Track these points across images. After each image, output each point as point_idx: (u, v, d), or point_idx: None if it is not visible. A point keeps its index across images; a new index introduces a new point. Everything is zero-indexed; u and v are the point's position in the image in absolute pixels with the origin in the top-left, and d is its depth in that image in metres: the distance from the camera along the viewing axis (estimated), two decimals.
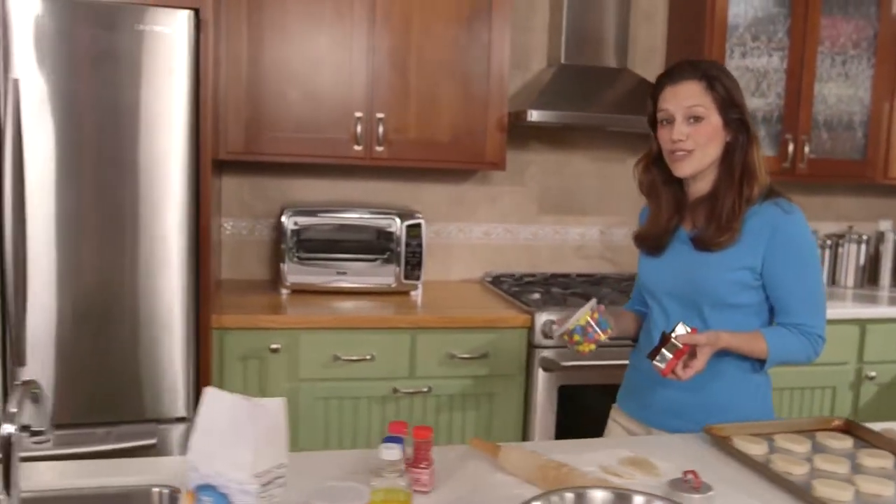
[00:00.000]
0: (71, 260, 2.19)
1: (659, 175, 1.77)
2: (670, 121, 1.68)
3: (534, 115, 2.83)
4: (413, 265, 2.90)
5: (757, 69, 3.20)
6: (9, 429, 1.05)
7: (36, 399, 1.13)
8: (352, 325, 2.61)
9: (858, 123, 3.35)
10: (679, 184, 1.76)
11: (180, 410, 2.31)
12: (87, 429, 2.23)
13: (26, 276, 2.12)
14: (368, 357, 2.61)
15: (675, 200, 1.77)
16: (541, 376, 2.70)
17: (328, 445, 2.63)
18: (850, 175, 3.39)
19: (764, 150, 3.13)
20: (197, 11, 2.20)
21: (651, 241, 1.80)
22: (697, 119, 1.65)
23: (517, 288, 3.09)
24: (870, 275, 3.66)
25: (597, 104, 3.07)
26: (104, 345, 2.23)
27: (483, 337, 2.68)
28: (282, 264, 2.84)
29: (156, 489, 1.29)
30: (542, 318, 2.68)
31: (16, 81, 2.06)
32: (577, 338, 1.64)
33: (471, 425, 2.72)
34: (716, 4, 3.09)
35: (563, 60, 3.14)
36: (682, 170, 1.69)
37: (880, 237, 3.66)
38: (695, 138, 1.65)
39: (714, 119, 1.65)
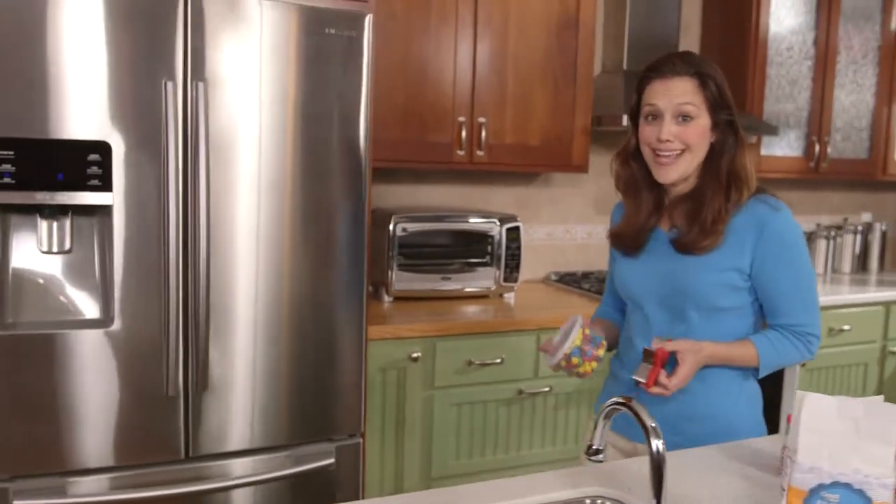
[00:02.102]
0: (251, 275, 2.07)
1: (639, 170, 1.65)
2: (657, 117, 1.56)
3: (625, 121, 2.95)
4: (512, 268, 2.95)
5: (789, 76, 3.49)
6: (657, 445, 1.03)
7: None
8: (485, 329, 2.62)
9: (865, 126, 3.73)
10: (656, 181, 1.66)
11: (353, 426, 2.24)
12: (267, 454, 2.12)
13: (209, 293, 1.98)
14: (499, 360, 2.64)
15: (655, 197, 1.65)
16: None
17: (460, 451, 2.64)
18: (858, 173, 3.77)
19: (793, 152, 3.48)
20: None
21: (628, 241, 1.68)
22: (686, 118, 1.53)
23: (588, 285, 3.20)
24: (861, 262, 4.09)
25: None
26: (282, 364, 2.12)
27: None
28: (389, 271, 2.79)
29: (588, 500, 1.29)
30: None
31: (204, 84, 1.93)
32: (575, 360, 1.55)
33: (586, 421, 2.81)
34: (760, 18, 3.35)
35: (625, 67, 3.28)
36: (666, 176, 1.57)
37: (868, 228, 4.09)
38: (683, 139, 1.54)
39: (703, 120, 1.54)
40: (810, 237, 3.93)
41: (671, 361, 1.51)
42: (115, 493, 1.95)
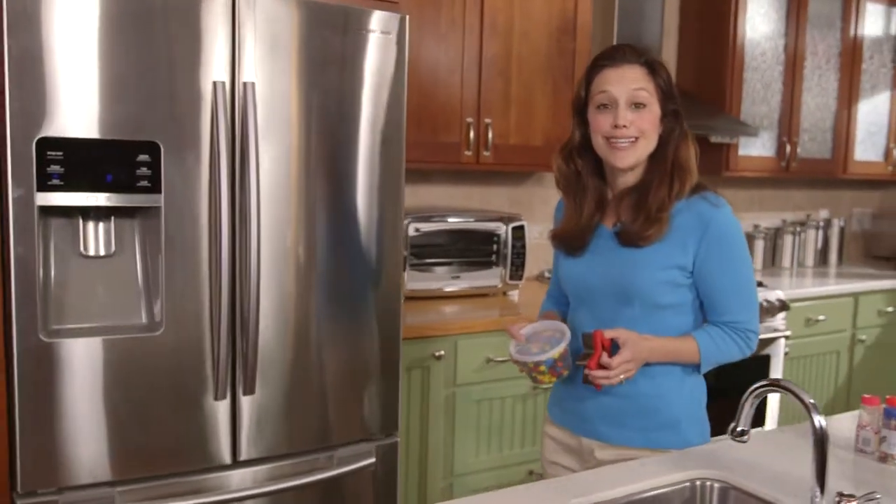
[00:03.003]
0: (298, 276, 2.05)
1: (585, 166, 1.64)
2: (611, 105, 1.55)
3: None
4: (517, 266, 3.00)
5: (763, 80, 3.66)
6: (820, 421, 1.07)
7: None
8: (502, 326, 2.66)
9: (828, 128, 3.95)
10: (601, 177, 1.66)
11: (390, 426, 2.24)
12: (309, 456, 2.11)
13: (259, 294, 1.96)
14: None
15: (598, 195, 1.65)
16: None
17: (479, 447, 2.67)
18: (822, 172, 3.98)
19: (766, 152, 3.66)
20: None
21: (571, 240, 1.66)
22: (639, 106, 1.54)
23: None
24: (822, 256, 4.32)
25: None
26: (324, 365, 2.11)
27: None
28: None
29: (698, 482, 1.35)
30: None
31: (252, 85, 1.91)
32: (543, 369, 1.54)
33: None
34: (737, 25, 3.51)
35: None
36: (624, 160, 1.56)
37: (827, 224, 4.32)
38: (638, 125, 1.54)
39: (654, 108, 1.56)
40: (777, 233, 4.13)
41: (614, 349, 1.52)
42: (167, 500, 1.91)
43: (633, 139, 1.54)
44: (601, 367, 1.50)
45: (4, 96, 1.69)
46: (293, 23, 1.97)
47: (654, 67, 1.57)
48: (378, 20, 2.08)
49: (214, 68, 1.87)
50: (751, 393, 1.13)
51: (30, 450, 1.78)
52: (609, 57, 1.58)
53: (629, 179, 1.60)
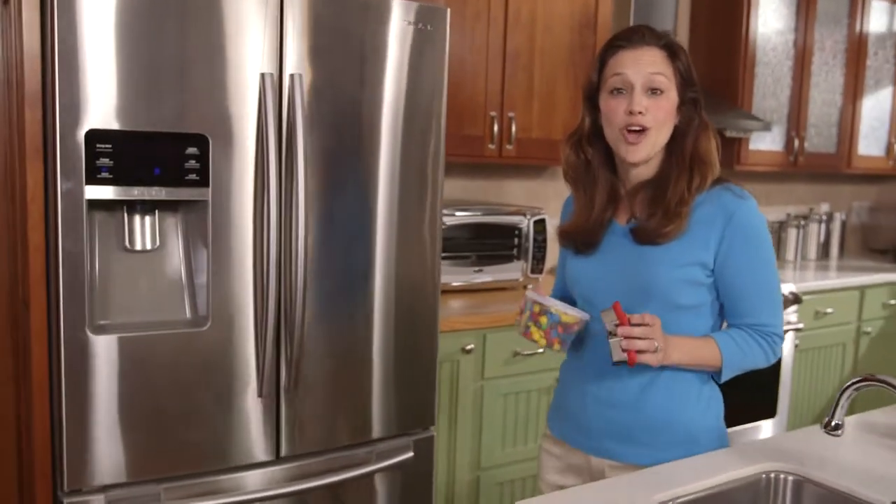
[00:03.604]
0: (342, 271, 2.04)
1: (596, 156, 1.50)
2: (626, 90, 1.41)
3: None
4: (538, 259, 3.01)
5: (774, 75, 3.70)
6: None
7: None
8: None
9: (834, 123, 3.99)
10: (613, 168, 1.51)
11: (427, 419, 2.24)
12: (347, 451, 2.10)
13: (306, 289, 1.94)
14: (541, 350, 2.69)
15: (610, 188, 1.51)
16: None
17: (506, 440, 2.68)
18: (827, 166, 4.03)
19: (775, 146, 3.69)
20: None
21: (582, 237, 1.52)
22: (656, 92, 1.40)
23: None
24: (824, 249, 4.37)
25: None
26: (367, 360, 2.10)
27: None
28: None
29: (772, 475, 1.37)
30: None
31: (299, 76, 1.89)
32: (544, 320, 1.41)
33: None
34: (750, 20, 3.53)
35: None
36: (635, 154, 1.42)
37: (829, 217, 4.38)
38: (654, 113, 1.40)
39: (672, 95, 1.42)
40: (781, 226, 4.18)
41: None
42: (210, 498, 1.89)
43: (646, 129, 1.40)
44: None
45: (54, 89, 1.66)
46: (338, 14, 1.95)
47: (673, 50, 1.44)
48: (420, 13, 2.07)
49: (261, 60, 1.85)
50: (847, 388, 1.14)
51: (75, 447, 1.76)
52: (626, 38, 1.44)
53: (643, 172, 1.47)
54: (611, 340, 1.36)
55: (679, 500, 1.26)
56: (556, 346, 1.44)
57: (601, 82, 1.46)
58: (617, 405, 1.47)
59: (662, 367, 1.41)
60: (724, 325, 1.53)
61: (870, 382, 1.14)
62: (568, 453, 1.57)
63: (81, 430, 1.76)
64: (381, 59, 2.02)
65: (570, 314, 1.42)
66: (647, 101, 1.40)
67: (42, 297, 1.78)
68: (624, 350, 1.33)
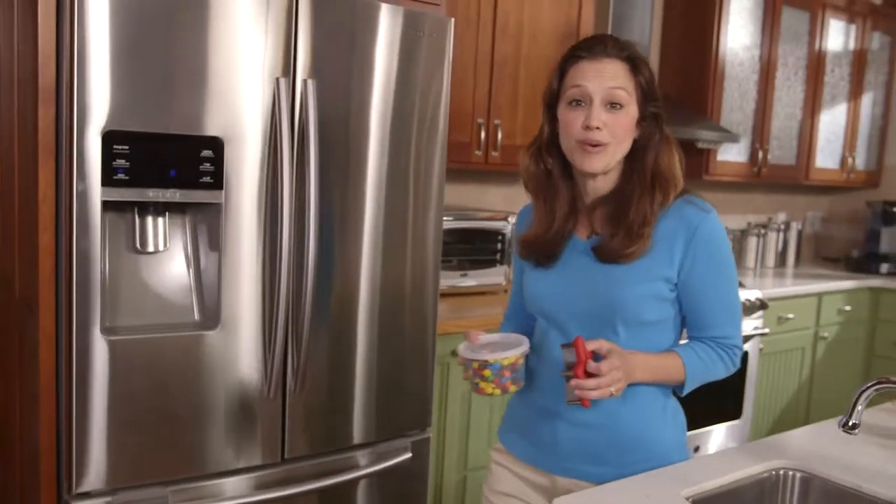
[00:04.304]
0: (349, 274, 2.06)
1: (555, 165, 1.46)
2: (585, 102, 1.37)
3: None
4: None
5: (741, 89, 3.84)
6: None
7: None
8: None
9: (794, 135, 4.17)
10: (572, 179, 1.47)
11: (424, 421, 2.28)
12: (349, 452, 2.12)
13: (315, 292, 1.96)
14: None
15: (571, 198, 1.47)
16: None
17: (491, 441, 2.72)
18: (788, 177, 4.20)
19: (740, 158, 3.84)
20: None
21: (541, 249, 1.47)
22: (615, 106, 1.37)
23: None
24: (781, 257, 4.56)
25: None
26: (369, 362, 2.13)
27: None
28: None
29: (781, 472, 1.45)
30: None
31: (312, 83, 1.91)
32: (487, 373, 1.36)
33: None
34: (720, 35, 3.67)
35: None
36: (593, 164, 1.38)
37: (787, 227, 4.56)
38: (612, 129, 1.36)
39: (633, 110, 1.39)
40: (742, 235, 4.34)
41: (597, 361, 1.33)
42: (216, 500, 1.89)
43: (604, 144, 1.37)
44: (588, 375, 1.29)
45: (72, 88, 1.65)
46: (348, 22, 1.98)
47: (635, 64, 1.40)
48: (427, 22, 2.11)
49: (280, 65, 1.87)
50: (865, 389, 1.23)
51: (83, 450, 1.75)
52: (588, 48, 1.40)
53: (602, 186, 1.44)
54: (567, 385, 1.31)
55: (702, 495, 1.33)
56: (513, 388, 1.40)
57: (561, 91, 1.42)
58: (589, 426, 1.43)
59: (629, 384, 1.38)
60: (684, 336, 1.52)
61: (885, 385, 1.23)
62: (526, 471, 1.52)
63: (89, 433, 1.75)
64: (387, 66, 2.05)
65: (509, 355, 1.37)
66: (605, 116, 1.37)
67: (51, 298, 1.76)
68: (574, 400, 1.31)
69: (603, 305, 1.41)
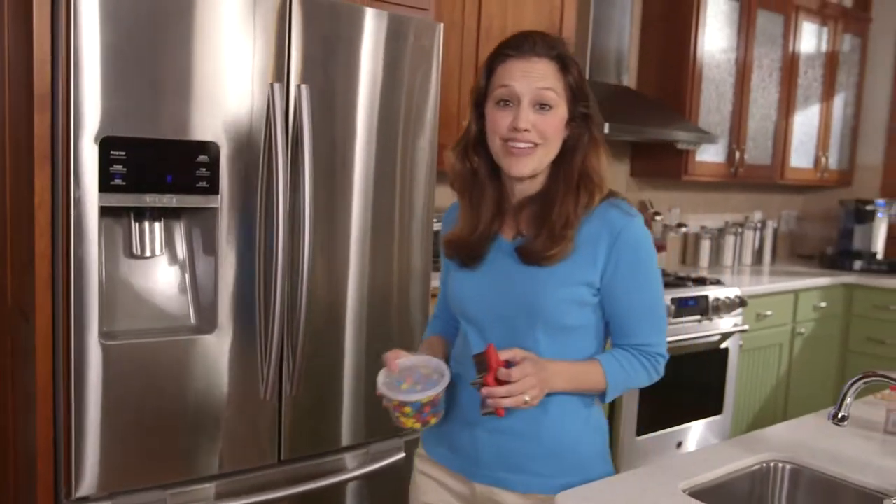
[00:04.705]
0: (342, 277, 2.09)
1: (482, 165, 1.41)
2: (513, 102, 1.33)
3: (607, 129, 3.21)
4: None
5: (718, 91, 3.92)
6: None
7: None
8: None
9: (769, 136, 4.25)
10: (500, 179, 1.42)
11: None
12: (344, 453, 2.15)
13: (310, 295, 1.98)
14: None
15: (498, 199, 1.42)
16: None
17: None
18: (763, 177, 4.29)
19: (718, 158, 3.92)
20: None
21: (466, 250, 1.42)
22: (544, 107, 1.32)
23: None
24: (758, 255, 4.64)
25: (628, 117, 3.53)
26: (362, 364, 2.15)
27: None
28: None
29: (772, 464, 1.50)
30: None
31: (306, 87, 1.93)
32: (408, 410, 1.32)
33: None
34: (698, 38, 3.74)
35: (588, 76, 3.54)
36: (521, 168, 1.34)
37: (763, 225, 4.65)
38: (541, 130, 1.32)
39: (562, 111, 1.34)
40: (720, 233, 4.41)
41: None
42: (215, 502, 1.91)
43: (532, 145, 1.33)
44: (500, 383, 1.25)
45: (68, 94, 1.66)
46: (340, 28, 2.00)
47: (565, 63, 1.34)
48: (418, 28, 2.14)
49: (274, 71, 1.89)
50: (854, 382, 1.28)
51: (82, 455, 1.75)
52: (516, 46, 1.34)
53: (529, 187, 1.39)
54: (472, 384, 1.28)
55: (698, 488, 1.37)
56: (433, 421, 1.36)
57: (488, 90, 1.37)
58: (511, 434, 1.37)
59: (550, 393, 1.33)
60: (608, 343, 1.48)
61: (872, 378, 1.28)
62: (448, 478, 1.48)
63: (87, 438, 1.75)
64: (382, 71, 2.08)
65: (430, 394, 1.31)
66: (534, 117, 1.32)
67: (48, 304, 1.76)
68: (489, 411, 1.27)
69: (523, 309, 1.37)
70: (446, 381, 1.33)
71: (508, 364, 1.26)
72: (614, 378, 1.38)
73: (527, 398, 1.26)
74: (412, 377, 1.36)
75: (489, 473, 1.41)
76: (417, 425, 1.35)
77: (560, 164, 1.38)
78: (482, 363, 1.26)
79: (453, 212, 1.52)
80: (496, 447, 1.40)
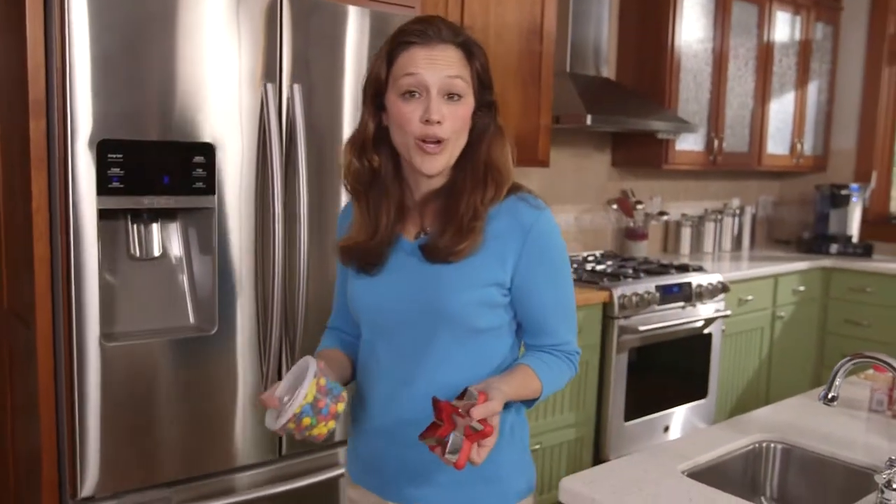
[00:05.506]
0: (328, 271, 2.11)
1: (384, 163, 1.31)
2: (421, 93, 1.23)
3: (589, 120, 3.26)
4: None
5: (696, 80, 3.98)
6: None
7: None
8: None
9: (746, 124, 4.33)
10: (401, 177, 1.33)
11: None
12: (341, 446, 2.18)
13: (308, 292, 2.01)
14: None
15: (399, 199, 1.33)
16: (616, 344, 3.17)
17: None
18: (741, 164, 4.36)
19: (697, 147, 3.98)
20: None
21: (366, 256, 1.31)
22: (453, 97, 1.23)
23: None
24: (737, 241, 4.73)
25: (608, 108, 3.58)
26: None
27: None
28: None
29: (764, 444, 1.56)
30: (618, 291, 3.14)
31: (299, 87, 1.95)
32: (308, 421, 1.15)
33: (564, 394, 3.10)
34: (675, 28, 3.80)
35: (568, 69, 3.59)
36: (434, 165, 1.25)
37: (741, 211, 4.73)
38: (451, 122, 1.23)
39: (470, 100, 1.26)
40: (700, 220, 4.49)
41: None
42: (219, 498, 1.93)
43: (444, 140, 1.23)
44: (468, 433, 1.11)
45: (64, 99, 1.67)
46: (330, 28, 2.02)
47: (470, 50, 1.27)
48: (399, 24, 2.16)
49: (267, 71, 1.91)
50: (844, 364, 1.33)
51: (86, 456, 1.77)
52: (419, 33, 1.24)
53: (434, 181, 1.30)
54: (449, 452, 1.10)
55: (696, 469, 1.42)
56: (340, 406, 1.19)
57: (389, 80, 1.26)
58: (413, 444, 1.20)
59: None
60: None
61: (860, 359, 1.33)
62: (366, 497, 1.38)
63: (90, 439, 1.77)
64: (363, 69, 2.07)
65: (305, 390, 1.14)
66: (445, 109, 1.22)
67: (48, 308, 1.77)
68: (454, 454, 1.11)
69: (430, 313, 1.27)
70: (313, 368, 1.17)
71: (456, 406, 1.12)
72: (548, 383, 1.30)
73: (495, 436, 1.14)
74: (291, 399, 1.16)
75: (395, 490, 1.32)
76: (330, 424, 1.17)
77: (465, 155, 1.29)
78: (457, 441, 1.10)
79: (348, 215, 1.38)
80: (398, 458, 1.30)
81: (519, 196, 1.30)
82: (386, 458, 1.32)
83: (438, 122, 1.22)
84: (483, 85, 1.28)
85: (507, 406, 1.24)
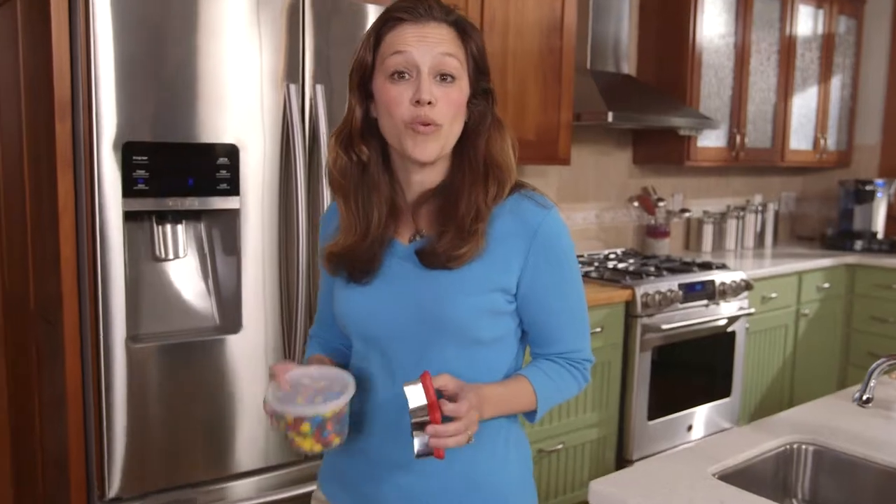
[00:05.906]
0: None
1: (373, 156, 1.19)
2: (410, 73, 1.12)
3: (611, 117, 3.23)
4: None
5: (718, 76, 3.94)
6: None
7: None
8: None
9: (769, 119, 4.28)
10: (392, 173, 1.21)
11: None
12: None
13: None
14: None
15: (391, 196, 1.21)
16: (639, 343, 3.14)
17: None
18: (764, 160, 4.32)
19: (719, 142, 3.95)
20: None
21: (358, 262, 1.19)
22: (446, 78, 1.12)
23: None
24: (760, 237, 4.68)
25: (629, 105, 3.55)
26: None
27: (597, 313, 3.04)
28: None
29: (795, 446, 1.53)
30: (640, 290, 3.12)
31: (322, 88, 1.95)
32: (305, 428, 1.08)
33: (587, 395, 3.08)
34: (696, 23, 3.76)
35: (589, 66, 3.56)
36: (426, 150, 1.13)
37: (764, 208, 4.69)
38: (444, 106, 1.11)
39: (464, 84, 1.15)
40: (722, 217, 4.45)
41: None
42: (245, 500, 1.93)
43: (437, 124, 1.12)
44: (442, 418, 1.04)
45: (90, 101, 1.67)
46: (358, 28, 2.02)
47: (464, 29, 1.16)
48: None
49: (290, 72, 1.91)
50: (879, 365, 1.31)
51: (114, 457, 1.78)
52: (408, 9, 1.13)
53: (429, 178, 1.19)
54: (414, 433, 1.04)
55: (727, 471, 1.41)
56: (336, 442, 1.11)
57: (376, 63, 1.15)
58: (412, 470, 1.15)
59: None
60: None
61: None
62: None
63: (118, 440, 1.78)
64: None
65: (333, 407, 1.08)
66: (437, 90, 1.11)
67: (74, 309, 1.78)
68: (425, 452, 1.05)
69: (429, 322, 1.15)
70: (351, 391, 1.10)
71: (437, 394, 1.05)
72: (545, 397, 1.20)
73: (470, 433, 1.07)
74: (306, 393, 1.12)
75: None
76: (318, 447, 1.09)
77: (462, 149, 1.18)
78: (417, 395, 1.04)
79: (331, 219, 1.27)
80: (396, 485, 1.19)
81: (523, 194, 1.19)
82: (382, 484, 1.20)
83: (430, 104, 1.10)
84: (479, 69, 1.18)
85: (505, 420, 1.19)
